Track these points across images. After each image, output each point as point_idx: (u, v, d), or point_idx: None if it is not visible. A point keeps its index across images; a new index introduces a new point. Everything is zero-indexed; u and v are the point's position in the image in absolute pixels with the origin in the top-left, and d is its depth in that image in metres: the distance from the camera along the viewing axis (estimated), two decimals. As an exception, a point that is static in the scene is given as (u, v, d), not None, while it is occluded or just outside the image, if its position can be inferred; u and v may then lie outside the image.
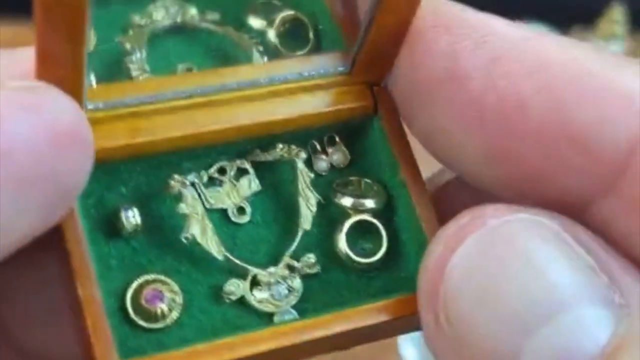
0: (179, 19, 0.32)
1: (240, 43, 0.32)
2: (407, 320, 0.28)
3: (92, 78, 0.29)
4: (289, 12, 0.33)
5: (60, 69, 0.25)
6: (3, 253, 0.24)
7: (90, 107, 0.27)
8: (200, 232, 0.28)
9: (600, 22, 0.98)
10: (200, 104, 0.29)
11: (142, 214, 0.28)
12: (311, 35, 0.33)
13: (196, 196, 0.29)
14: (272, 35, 0.33)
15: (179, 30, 0.32)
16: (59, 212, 0.25)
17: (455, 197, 0.32)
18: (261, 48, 0.32)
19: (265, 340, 0.27)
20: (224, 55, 0.32)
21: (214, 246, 0.28)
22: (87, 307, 0.26)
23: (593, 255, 0.25)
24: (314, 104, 0.30)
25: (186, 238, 0.28)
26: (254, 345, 0.27)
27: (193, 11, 0.33)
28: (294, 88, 0.30)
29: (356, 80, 0.30)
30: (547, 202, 0.27)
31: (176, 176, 0.29)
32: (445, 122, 0.28)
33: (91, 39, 0.26)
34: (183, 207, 0.28)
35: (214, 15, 0.33)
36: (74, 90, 0.25)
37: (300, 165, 0.30)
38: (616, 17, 0.97)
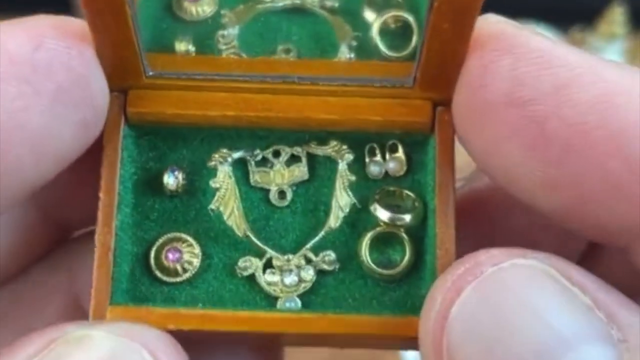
0: (298, 1, 0.34)
1: (339, 35, 0.33)
2: (400, 342, 0.29)
3: (190, 46, 0.32)
4: (399, 13, 0.33)
5: (110, 42, 0.28)
6: (47, 169, 0.28)
7: (150, 73, 0.30)
8: (224, 207, 0.30)
9: (600, 23, 0.98)
10: (259, 90, 0.30)
11: (189, 180, 0.31)
12: (414, 40, 0.33)
13: (230, 174, 0.31)
14: (375, 30, 0.33)
15: (293, 11, 0.34)
16: (90, 133, 0.29)
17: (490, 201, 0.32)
18: (354, 43, 0.33)
19: (268, 322, 0.28)
20: (325, 43, 0.33)
21: (235, 223, 0.30)
22: (98, 251, 0.29)
23: (589, 294, 0.26)
24: (371, 111, 0.30)
25: (211, 210, 0.30)
26: (250, 323, 0.28)
27: None
28: (358, 91, 0.30)
29: (420, 95, 0.30)
30: (599, 229, 0.28)
31: (224, 150, 0.31)
32: (505, 145, 0.28)
33: (136, 15, 0.28)
34: (213, 182, 0.31)
35: (333, 2, 0.34)
36: (128, 58, 0.28)
37: (342, 166, 0.31)
38: (616, 17, 0.96)
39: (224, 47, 0.32)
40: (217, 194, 0.31)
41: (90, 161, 0.30)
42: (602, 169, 0.27)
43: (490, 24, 0.28)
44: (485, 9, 0.28)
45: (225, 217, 0.31)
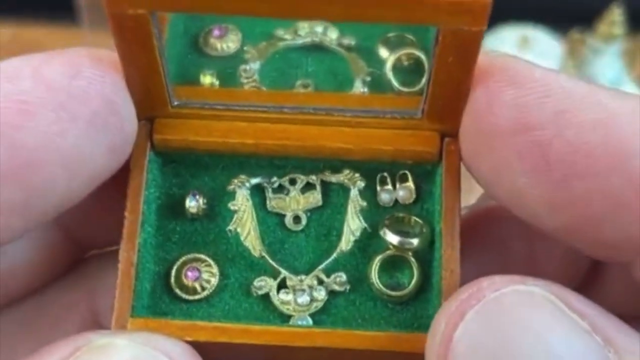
0: (317, 39, 0.36)
1: (354, 71, 0.35)
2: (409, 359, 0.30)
3: (215, 80, 0.34)
4: (412, 51, 0.35)
5: (139, 73, 0.30)
6: (78, 190, 0.30)
7: (175, 103, 0.32)
8: (241, 229, 0.32)
9: (599, 24, 0.98)
10: (276, 120, 0.32)
11: (209, 204, 0.32)
12: (425, 77, 0.34)
13: (248, 197, 0.32)
14: (388, 66, 0.35)
15: (313, 48, 0.36)
16: (119, 157, 0.31)
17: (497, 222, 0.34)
18: (368, 79, 0.35)
19: (279, 336, 0.30)
20: (340, 79, 0.35)
21: (252, 244, 0.32)
22: (121, 266, 0.30)
23: (587, 319, 0.27)
24: (382, 141, 0.32)
25: (229, 231, 0.32)
26: (261, 337, 0.30)
27: (334, 35, 0.36)
28: (369, 122, 0.32)
29: (428, 127, 0.32)
30: (604, 246, 0.29)
31: (242, 176, 0.33)
32: (512, 170, 0.29)
33: (164, 47, 0.30)
34: (233, 203, 0.32)
35: (350, 40, 0.36)
36: (155, 87, 0.30)
37: (354, 192, 0.33)
38: (615, 18, 0.96)
39: (245, 80, 0.34)
40: (236, 215, 0.32)
41: (113, 186, 0.31)
42: (605, 187, 0.28)
43: (493, 57, 0.30)
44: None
45: (242, 238, 0.32)
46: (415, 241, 0.31)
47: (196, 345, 0.29)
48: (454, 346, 0.27)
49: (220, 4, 0.27)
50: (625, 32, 0.96)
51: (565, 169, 0.28)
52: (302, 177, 0.33)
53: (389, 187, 0.33)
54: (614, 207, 0.28)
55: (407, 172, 0.33)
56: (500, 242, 0.35)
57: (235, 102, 0.32)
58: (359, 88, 0.34)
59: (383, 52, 0.35)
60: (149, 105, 0.31)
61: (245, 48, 0.35)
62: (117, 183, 0.32)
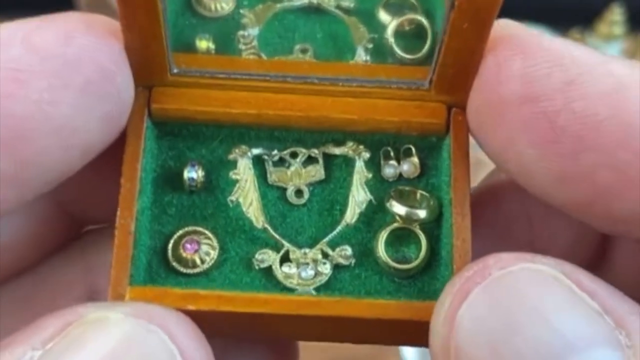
0: (315, 1, 0.34)
1: (355, 36, 0.34)
2: (415, 331, 0.29)
3: (211, 44, 0.33)
4: (414, 16, 0.34)
5: (140, 38, 0.29)
6: (73, 161, 0.29)
7: (174, 71, 0.31)
8: (244, 199, 0.31)
9: (599, 24, 0.98)
10: (279, 90, 0.31)
11: (207, 176, 0.31)
12: (428, 43, 0.33)
13: (250, 166, 0.31)
14: (390, 32, 0.34)
15: (310, 10, 0.34)
16: (115, 126, 0.30)
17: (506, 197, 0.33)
18: (370, 46, 0.33)
19: (285, 304, 0.29)
20: (340, 44, 0.34)
21: (254, 215, 0.31)
22: (118, 234, 0.29)
23: (597, 299, 0.26)
24: (387, 112, 0.31)
25: (231, 201, 0.31)
26: (267, 305, 0.29)
27: None
28: (375, 92, 0.31)
29: (435, 98, 0.31)
30: (613, 220, 0.28)
31: (242, 146, 0.32)
32: (520, 142, 0.29)
33: (166, 12, 0.29)
34: (235, 172, 0.31)
35: (349, 2, 0.35)
36: (156, 54, 0.29)
37: (359, 164, 0.32)
38: (615, 17, 0.97)
39: (243, 47, 0.33)
40: (237, 185, 0.31)
41: (107, 158, 0.30)
42: (613, 160, 0.27)
43: (501, 27, 0.29)
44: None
45: (244, 208, 0.31)
46: (422, 212, 0.31)
47: (196, 318, 0.28)
48: (457, 324, 0.26)
49: None
50: (625, 32, 0.96)
51: (573, 140, 0.28)
52: (303, 150, 0.32)
53: (393, 161, 0.32)
54: (622, 181, 0.27)
55: (411, 146, 0.32)
56: (503, 224, 0.34)
57: (237, 71, 0.31)
58: (361, 56, 0.33)
59: (383, 16, 0.34)
60: (147, 72, 0.30)
61: (242, 11, 0.34)
62: (112, 156, 0.30)
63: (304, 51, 0.34)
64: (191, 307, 0.28)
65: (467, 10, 0.28)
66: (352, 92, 0.31)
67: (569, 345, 0.25)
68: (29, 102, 0.28)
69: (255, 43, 0.33)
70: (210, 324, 0.28)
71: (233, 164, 0.32)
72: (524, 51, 0.29)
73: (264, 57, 0.33)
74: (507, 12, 0.30)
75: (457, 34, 0.28)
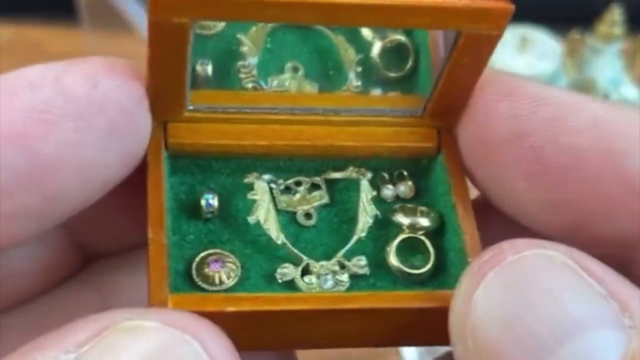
0: None
1: (344, 58, 0.36)
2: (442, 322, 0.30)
3: (210, 68, 0.35)
4: (397, 37, 0.37)
5: (165, 81, 0.31)
6: (92, 195, 0.31)
7: (190, 107, 0.33)
8: (264, 216, 0.33)
9: (599, 24, 0.98)
10: (287, 121, 0.34)
11: (222, 205, 0.33)
12: (410, 62, 0.36)
13: (267, 188, 0.33)
14: (376, 50, 0.36)
15: (297, 27, 0.37)
16: (132, 162, 0.31)
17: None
18: (359, 69, 0.36)
19: (320, 300, 0.31)
20: (328, 62, 0.36)
21: (274, 231, 0.33)
22: (151, 246, 0.30)
23: (604, 284, 0.28)
24: (384, 138, 0.34)
25: (250, 220, 0.33)
26: (293, 302, 0.30)
27: None
28: (373, 121, 0.34)
29: (427, 124, 0.34)
30: (599, 243, 0.31)
31: (255, 173, 0.34)
32: (509, 175, 0.32)
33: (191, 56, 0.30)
34: (253, 193, 0.33)
35: None
36: (176, 93, 0.31)
37: (364, 182, 0.34)
38: (615, 18, 0.97)
39: (244, 75, 0.35)
40: (256, 204, 0.33)
41: (119, 192, 0.32)
42: (597, 187, 0.30)
43: (487, 73, 0.32)
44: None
45: (263, 226, 0.33)
46: (425, 221, 0.33)
47: (232, 324, 0.29)
48: (473, 305, 0.28)
49: (265, 13, 0.28)
50: (625, 32, 0.96)
51: (559, 171, 0.31)
52: (306, 179, 0.34)
53: (390, 185, 0.35)
54: (607, 206, 0.30)
55: (403, 171, 0.35)
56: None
57: (246, 105, 0.34)
58: (352, 82, 0.36)
59: (366, 33, 0.37)
60: (165, 110, 0.32)
61: (239, 37, 0.36)
62: (123, 189, 0.32)
63: (295, 69, 0.36)
64: (232, 309, 0.29)
65: (469, 48, 0.30)
66: (353, 121, 0.34)
67: (577, 324, 0.27)
68: (57, 143, 0.29)
69: (255, 72, 0.35)
70: (242, 332, 0.29)
71: (244, 192, 0.33)
72: (510, 94, 0.32)
73: (262, 84, 0.36)
74: (507, 11, 0.31)
75: (457, 68, 0.31)
